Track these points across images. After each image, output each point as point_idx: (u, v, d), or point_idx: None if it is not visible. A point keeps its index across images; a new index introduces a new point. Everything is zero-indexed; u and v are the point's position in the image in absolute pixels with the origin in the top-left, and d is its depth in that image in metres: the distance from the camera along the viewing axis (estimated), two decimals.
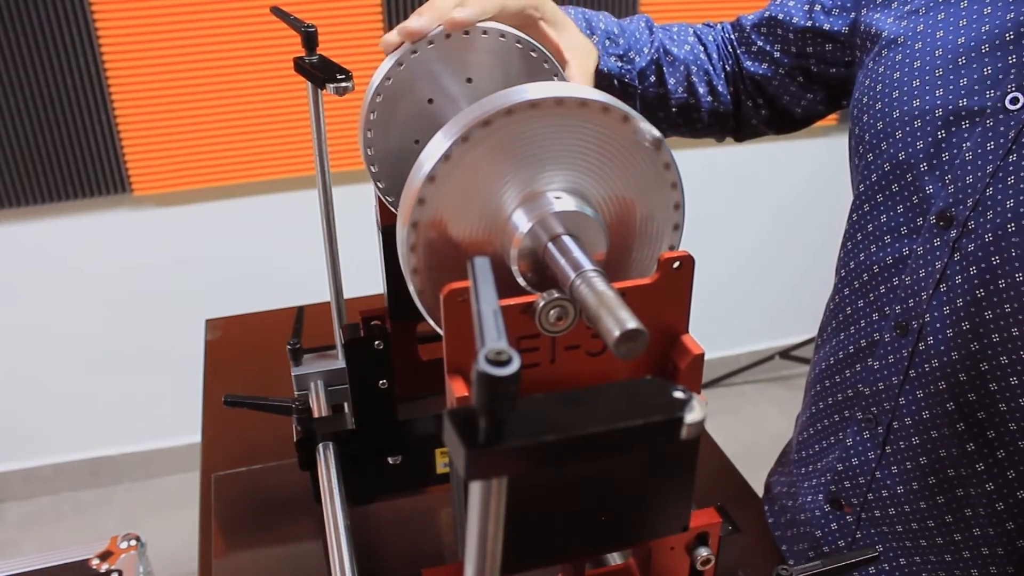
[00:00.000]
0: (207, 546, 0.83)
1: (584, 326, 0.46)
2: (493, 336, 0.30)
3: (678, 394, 0.34)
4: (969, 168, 0.64)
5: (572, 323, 0.45)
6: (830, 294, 0.81)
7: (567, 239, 0.47)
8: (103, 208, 1.95)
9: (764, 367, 2.60)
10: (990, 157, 0.63)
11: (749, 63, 0.86)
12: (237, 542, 0.84)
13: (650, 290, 0.46)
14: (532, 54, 0.63)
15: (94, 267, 2.00)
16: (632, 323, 0.38)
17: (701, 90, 0.85)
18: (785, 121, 0.90)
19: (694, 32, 0.88)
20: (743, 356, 2.61)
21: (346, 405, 0.88)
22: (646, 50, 0.82)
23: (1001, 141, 0.63)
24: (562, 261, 0.45)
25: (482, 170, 0.47)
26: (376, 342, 0.73)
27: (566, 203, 0.48)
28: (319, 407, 0.86)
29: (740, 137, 0.93)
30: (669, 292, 0.47)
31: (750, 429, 2.38)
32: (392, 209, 0.68)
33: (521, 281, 0.49)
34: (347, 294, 0.88)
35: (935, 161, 0.67)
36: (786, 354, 2.57)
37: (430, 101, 0.63)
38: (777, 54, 0.84)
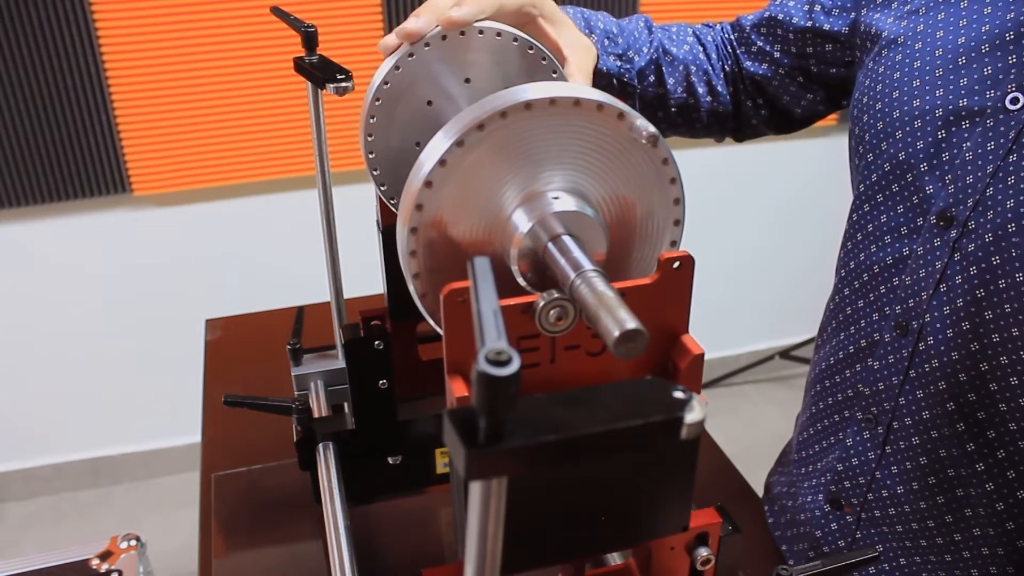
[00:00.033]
0: (207, 546, 0.83)
1: (584, 326, 0.46)
2: (493, 336, 0.30)
3: (678, 394, 0.34)
4: (969, 168, 0.64)
5: (572, 323, 0.45)
6: (830, 294, 0.81)
7: (567, 239, 0.47)
8: (103, 208, 1.95)
9: (764, 367, 2.60)
10: (990, 157, 0.63)
11: (749, 63, 0.86)
12: (237, 542, 0.84)
13: (650, 290, 0.46)
14: (529, 51, 0.63)
15: (94, 267, 2.00)
16: (631, 323, 0.38)
17: (700, 90, 0.85)
18: (785, 121, 0.90)
19: (693, 32, 0.87)
20: (743, 356, 2.61)
21: (346, 405, 0.88)
22: (645, 50, 0.82)
23: (1001, 141, 0.63)
24: (562, 261, 0.45)
25: (480, 172, 0.47)
26: (376, 342, 0.73)
27: (566, 203, 0.48)
28: (319, 407, 0.86)
29: (740, 137, 0.93)
30: (669, 292, 0.47)
31: (750, 429, 2.38)
32: (395, 211, 0.68)
33: (521, 281, 0.49)
34: (347, 294, 0.88)
35: (935, 161, 0.67)
36: (786, 354, 2.57)
37: (429, 103, 0.63)
38: (777, 54, 0.84)
